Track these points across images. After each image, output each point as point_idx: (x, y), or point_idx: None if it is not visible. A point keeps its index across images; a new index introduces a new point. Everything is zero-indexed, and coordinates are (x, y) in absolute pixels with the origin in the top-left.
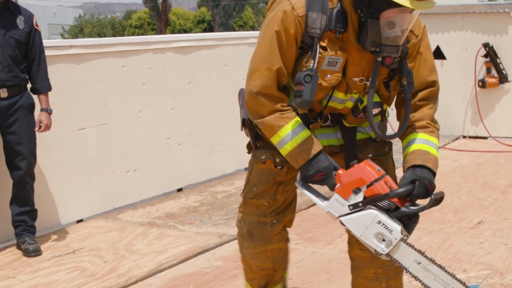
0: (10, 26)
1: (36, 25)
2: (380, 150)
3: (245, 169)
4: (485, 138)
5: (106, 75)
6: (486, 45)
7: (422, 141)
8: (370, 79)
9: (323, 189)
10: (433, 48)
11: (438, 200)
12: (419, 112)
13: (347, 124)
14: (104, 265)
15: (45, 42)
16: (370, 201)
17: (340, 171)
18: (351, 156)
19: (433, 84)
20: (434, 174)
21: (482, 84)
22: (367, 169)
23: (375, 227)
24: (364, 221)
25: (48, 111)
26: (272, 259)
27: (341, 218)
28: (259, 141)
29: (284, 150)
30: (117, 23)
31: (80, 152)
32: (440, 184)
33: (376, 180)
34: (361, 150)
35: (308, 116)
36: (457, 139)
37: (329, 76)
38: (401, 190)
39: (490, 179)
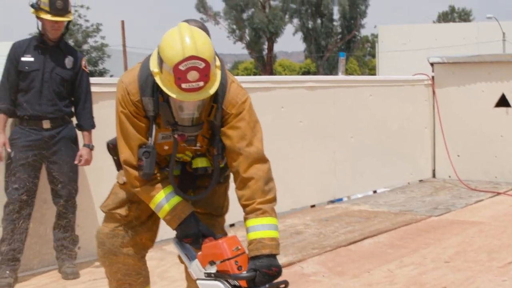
0: (58, 64)
1: (85, 66)
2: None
3: (300, 208)
4: None
5: None
6: None
7: (256, 229)
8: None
9: None
10: (497, 96)
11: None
12: (248, 190)
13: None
14: None
15: (93, 80)
16: (219, 275)
17: (206, 240)
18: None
19: (242, 150)
20: (274, 255)
21: None
22: (224, 246)
23: None
24: None
25: (90, 147)
26: (123, 271)
27: (198, 281)
28: None
29: (161, 215)
30: None
31: None
32: (487, 226)
33: (228, 259)
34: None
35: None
36: None
37: (166, 147)
38: (242, 275)
39: None
